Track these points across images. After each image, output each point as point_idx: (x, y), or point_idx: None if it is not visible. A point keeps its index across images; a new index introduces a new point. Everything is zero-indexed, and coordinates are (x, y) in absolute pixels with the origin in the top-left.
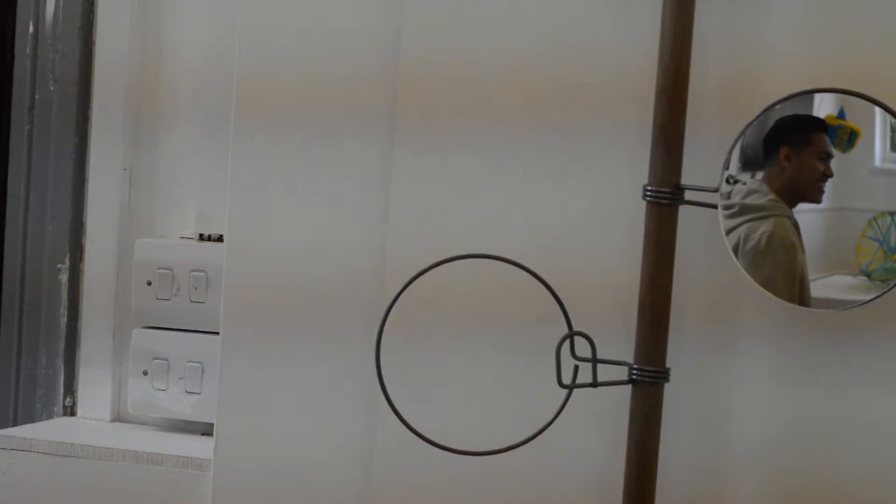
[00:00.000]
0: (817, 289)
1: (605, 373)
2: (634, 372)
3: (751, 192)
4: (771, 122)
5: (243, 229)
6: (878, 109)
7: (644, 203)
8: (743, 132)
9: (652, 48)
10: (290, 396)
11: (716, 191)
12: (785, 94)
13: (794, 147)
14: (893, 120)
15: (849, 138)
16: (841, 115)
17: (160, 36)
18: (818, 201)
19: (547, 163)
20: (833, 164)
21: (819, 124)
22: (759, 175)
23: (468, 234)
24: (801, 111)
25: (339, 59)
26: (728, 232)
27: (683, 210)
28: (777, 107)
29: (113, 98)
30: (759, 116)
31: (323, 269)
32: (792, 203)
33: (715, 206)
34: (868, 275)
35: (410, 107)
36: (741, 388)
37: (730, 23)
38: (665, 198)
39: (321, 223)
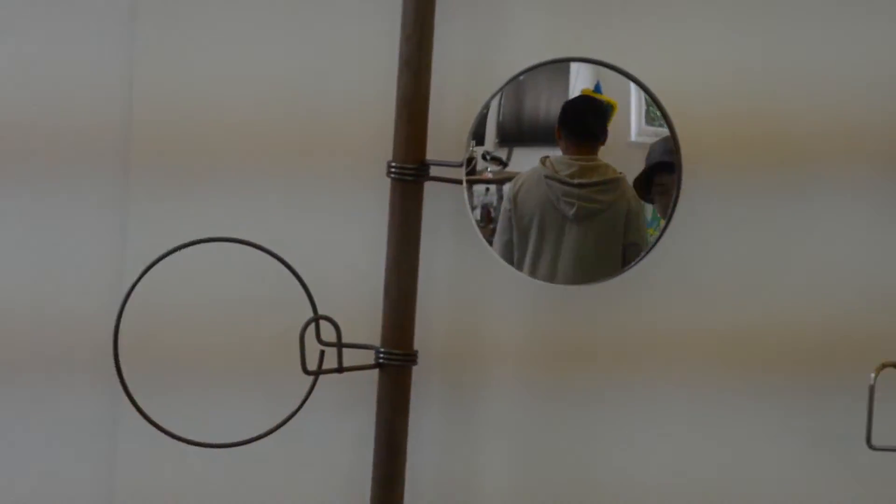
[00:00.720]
0: None
1: (353, 357)
2: (381, 355)
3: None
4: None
5: None
6: (633, 83)
7: (389, 180)
8: (487, 104)
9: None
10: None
11: (461, 166)
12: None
13: None
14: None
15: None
16: (597, 88)
17: None
18: None
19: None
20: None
21: None
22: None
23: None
24: (558, 85)
25: (69, 100)
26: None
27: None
28: (521, 77)
29: None
30: (504, 86)
31: (51, 307)
32: None
33: (461, 182)
34: None
35: (145, 150)
36: (490, 370)
37: None
38: (410, 174)
39: (50, 264)
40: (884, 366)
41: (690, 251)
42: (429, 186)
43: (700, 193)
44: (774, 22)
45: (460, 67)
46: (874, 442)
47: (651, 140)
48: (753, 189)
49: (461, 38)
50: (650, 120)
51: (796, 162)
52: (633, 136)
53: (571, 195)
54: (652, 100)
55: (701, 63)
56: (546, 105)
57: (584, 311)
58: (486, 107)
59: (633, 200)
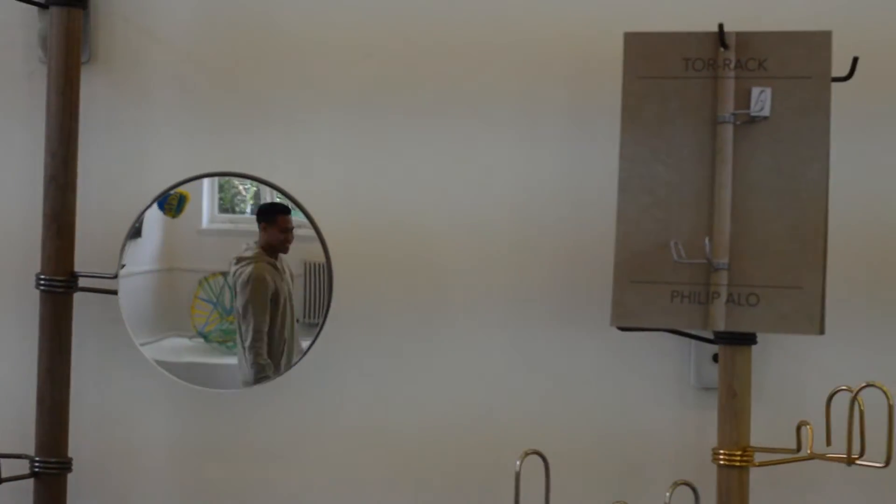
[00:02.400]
0: (153, 351)
1: (9, 467)
2: (36, 464)
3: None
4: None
5: None
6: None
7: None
8: (139, 217)
9: None
10: None
11: (114, 277)
12: (176, 181)
13: (267, 222)
14: (234, 183)
15: (178, 203)
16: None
17: None
18: (285, 250)
19: None
20: (162, 228)
21: (279, 209)
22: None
23: None
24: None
25: None
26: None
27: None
28: (173, 191)
29: None
30: (155, 200)
31: None
32: (271, 255)
33: (114, 293)
34: (205, 336)
35: None
36: (142, 473)
37: (115, 111)
38: (59, 286)
39: None
40: (527, 454)
41: (334, 355)
42: (78, 297)
43: (345, 301)
44: (417, 140)
45: (105, 182)
46: None
47: (226, 227)
48: (393, 296)
49: (105, 155)
50: (222, 209)
51: (433, 271)
52: (206, 223)
53: None
54: (303, 212)
55: (336, 176)
56: None
57: (231, 410)
58: (139, 220)
59: (249, 272)
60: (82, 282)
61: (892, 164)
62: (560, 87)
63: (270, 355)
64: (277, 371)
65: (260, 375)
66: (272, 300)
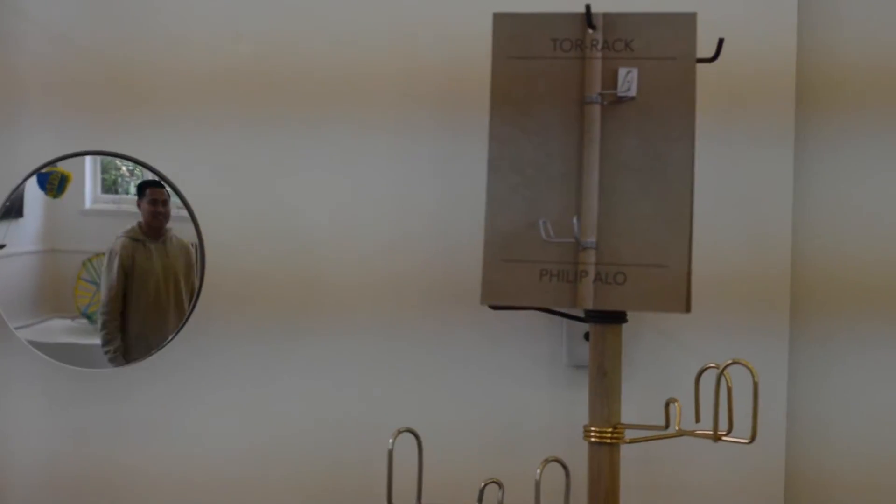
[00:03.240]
0: (35, 334)
1: None
2: None
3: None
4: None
5: None
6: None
7: None
8: (8, 197)
9: None
10: None
11: None
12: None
13: (140, 197)
14: (110, 162)
15: (59, 184)
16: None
17: None
18: (158, 225)
19: None
20: (44, 208)
21: (150, 183)
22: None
23: None
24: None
25: None
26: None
27: None
28: (54, 171)
29: None
30: (26, 178)
31: None
32: (146, 234)
33: None
34: (88, 317)
35: None
36: (12, 450)
37: None
38: None
39: None
40: (399, 431)
41: (209, 338)
42: None
43: (219, 286)
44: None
45: None
46: None
47: (109, 207)
48: (267, 277)
49: None
50: (105, 190)
51: (308, 255)
52: (88, 204)
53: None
54: (177, 194)
55: (215, 164)
56: None
57: (103, 392)
58: (9, 199)
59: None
60: None
61: (757, 143)
62: (431, 70)
63: (123, 333)
64: (126, 353)
65: (104, 349)
66: (126, 276)
